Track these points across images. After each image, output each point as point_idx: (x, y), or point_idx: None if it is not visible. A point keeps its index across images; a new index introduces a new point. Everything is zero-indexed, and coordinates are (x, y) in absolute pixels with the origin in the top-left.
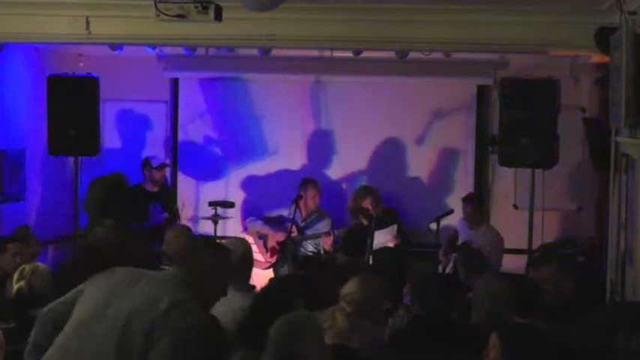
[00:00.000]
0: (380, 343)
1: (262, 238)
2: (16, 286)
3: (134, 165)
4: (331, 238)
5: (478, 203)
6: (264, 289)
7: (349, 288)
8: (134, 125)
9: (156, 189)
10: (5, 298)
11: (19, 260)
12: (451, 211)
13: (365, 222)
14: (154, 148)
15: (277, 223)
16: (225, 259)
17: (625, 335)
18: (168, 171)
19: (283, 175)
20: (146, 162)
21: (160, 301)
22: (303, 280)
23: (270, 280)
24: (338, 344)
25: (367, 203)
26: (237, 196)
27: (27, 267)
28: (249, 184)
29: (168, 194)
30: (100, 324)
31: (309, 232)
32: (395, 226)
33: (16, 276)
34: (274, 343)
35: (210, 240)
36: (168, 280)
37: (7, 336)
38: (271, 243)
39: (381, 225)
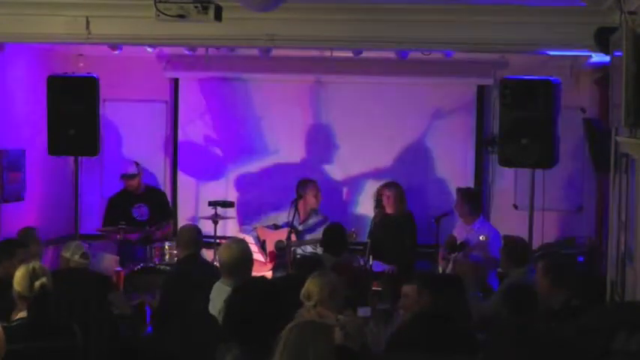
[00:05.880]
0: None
1: (261, 242)
2: (38, 283)
3: None
4: None
5: (473, 198)
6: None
7: (306, 288)
8: (134, 125)
9: (139, 192)
10: (7, 299)
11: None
12: (451, 212)
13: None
14: (154, 148)
15: (274, 227)
16: None
17: (625, 336)
18: (168, 172)
19: (283, 175)
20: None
21: None
22: (286, 279)
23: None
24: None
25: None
26: (237, 196)
27: (37, 266)
28: (249, 184)
29: (156, 196)
30: None
31: (307, 235)
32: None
33: (28, 274)
34: (287, 349)
35: None
36: None
37: (7, 335)
38: (270, 247)
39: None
